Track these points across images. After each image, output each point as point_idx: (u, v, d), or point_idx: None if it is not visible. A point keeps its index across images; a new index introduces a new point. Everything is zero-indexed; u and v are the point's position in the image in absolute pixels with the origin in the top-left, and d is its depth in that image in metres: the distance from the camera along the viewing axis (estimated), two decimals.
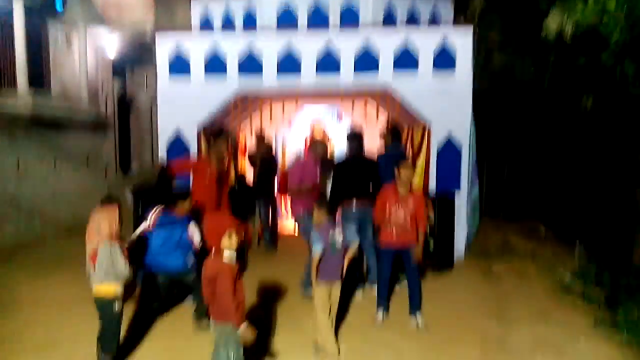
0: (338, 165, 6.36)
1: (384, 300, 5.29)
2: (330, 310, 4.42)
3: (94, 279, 3.88)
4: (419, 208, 5.05)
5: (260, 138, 8.53)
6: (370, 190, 5.92)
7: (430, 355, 4.45)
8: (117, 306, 3.88)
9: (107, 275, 3.80)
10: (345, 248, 4.44)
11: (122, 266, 3.82)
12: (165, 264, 4.94)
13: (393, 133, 6.93)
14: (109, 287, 3.84)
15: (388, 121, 8.14)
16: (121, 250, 3.85)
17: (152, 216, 4.99)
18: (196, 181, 6.14)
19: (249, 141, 9.77)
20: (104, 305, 3.90)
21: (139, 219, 5.82)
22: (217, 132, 5.87)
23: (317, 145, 6.64)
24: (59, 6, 8.63)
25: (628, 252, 7.12)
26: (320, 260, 4.31)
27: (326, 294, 4.38)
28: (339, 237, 4.37)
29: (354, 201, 5.86)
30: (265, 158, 8.34)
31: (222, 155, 5.92)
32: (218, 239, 3.39)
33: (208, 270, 3.43)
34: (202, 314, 4.77)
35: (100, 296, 3.88)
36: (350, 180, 6.01)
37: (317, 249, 4.29)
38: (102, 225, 3.83)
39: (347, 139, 6.33)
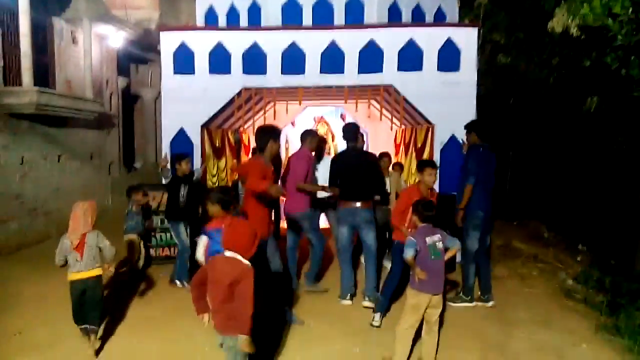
0: (335, 158, 6.01)
1: (385, 303, 5.10)
2: (427, 322, 4.18)
3: (81, 266, 4.30)
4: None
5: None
6: (371, 189, 5.64)
7: None
8: (102, 284, 4.55)
9: (96, 259, 4.36)
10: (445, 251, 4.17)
11: (110, 249, 4.42)
12: None
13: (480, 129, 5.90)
14: (98, 270, 4.40)
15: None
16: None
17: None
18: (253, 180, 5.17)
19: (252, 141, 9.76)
20: (95, 286, 4.40)
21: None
22: (265, 130, 5.50)
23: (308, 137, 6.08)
24: None
25: (630, 257, 7.10)
26: (421, 268, 4.04)
27: (423, 305, 4.09)
28: (439, 242, 4.10)
29: (350, 200, 5.50)
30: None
31: (274, 152, 5.46)
32: (250, 245, 3.21)
33: (232, 270, 3.13)
34: None
35: (91, 277, 4.35)
36: (347, 176, 5.60)
37: (407, 254, 4.04)
38: (87, 217, 4.31)
39: (344, 131, 5.88)
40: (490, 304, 5.67)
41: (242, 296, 3.11)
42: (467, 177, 5.52)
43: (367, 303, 5.46)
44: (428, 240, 4.07)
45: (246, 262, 3.18)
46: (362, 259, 6.41)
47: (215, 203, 4.22)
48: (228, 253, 3.21)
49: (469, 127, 5.95)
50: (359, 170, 5.57)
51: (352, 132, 5.78)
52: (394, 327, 4.36)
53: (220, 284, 3.14)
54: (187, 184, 6.30)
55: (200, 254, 4.17)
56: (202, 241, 4.18)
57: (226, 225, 3.43)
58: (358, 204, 5.50)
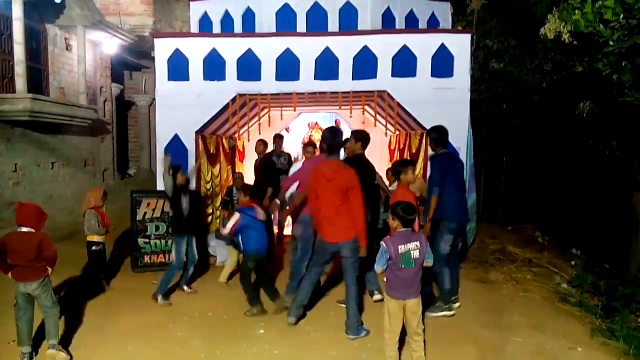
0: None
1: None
2: (408, 329, 4.14)
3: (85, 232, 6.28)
4: None
5: (261, 141, 8.44)
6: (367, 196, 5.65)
7: None
8: (94, 248, 6.25)
9: (90, 230, 6.19)
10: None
11: (96, 226, 6.17)
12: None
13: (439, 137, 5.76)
14: (92, 237, 6.20)
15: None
16: (96, 216, 6.18)
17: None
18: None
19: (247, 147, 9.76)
20: (90, 247, 6.25)
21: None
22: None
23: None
24: None
25: (624, 260, 7.14)
26: (391, 273, 4.04)
27: (396, 311, 4.07)
28: (414, 250, 3.99)
29: None
30: (263, 163, 8.25)
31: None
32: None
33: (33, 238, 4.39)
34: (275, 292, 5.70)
35: (88, 241, 6.26)
36: None
37: (378, 266, 4.03)
38: (88, 199, 6.32)
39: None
40: (457, 305, 5.60)
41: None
42: (431, 187, 5.34)
43: (377, 296, 5.69)
44: (401, 248, 3.95)
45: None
46: None
47: (246, 194, 5.74)
48: (24, 228, 4.37)
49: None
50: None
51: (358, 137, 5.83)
52: None
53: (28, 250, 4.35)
54: (187, 194, 6.25)
55: (227, 228, 5.42)
56: (235, 217, 5.39)
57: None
58: None
